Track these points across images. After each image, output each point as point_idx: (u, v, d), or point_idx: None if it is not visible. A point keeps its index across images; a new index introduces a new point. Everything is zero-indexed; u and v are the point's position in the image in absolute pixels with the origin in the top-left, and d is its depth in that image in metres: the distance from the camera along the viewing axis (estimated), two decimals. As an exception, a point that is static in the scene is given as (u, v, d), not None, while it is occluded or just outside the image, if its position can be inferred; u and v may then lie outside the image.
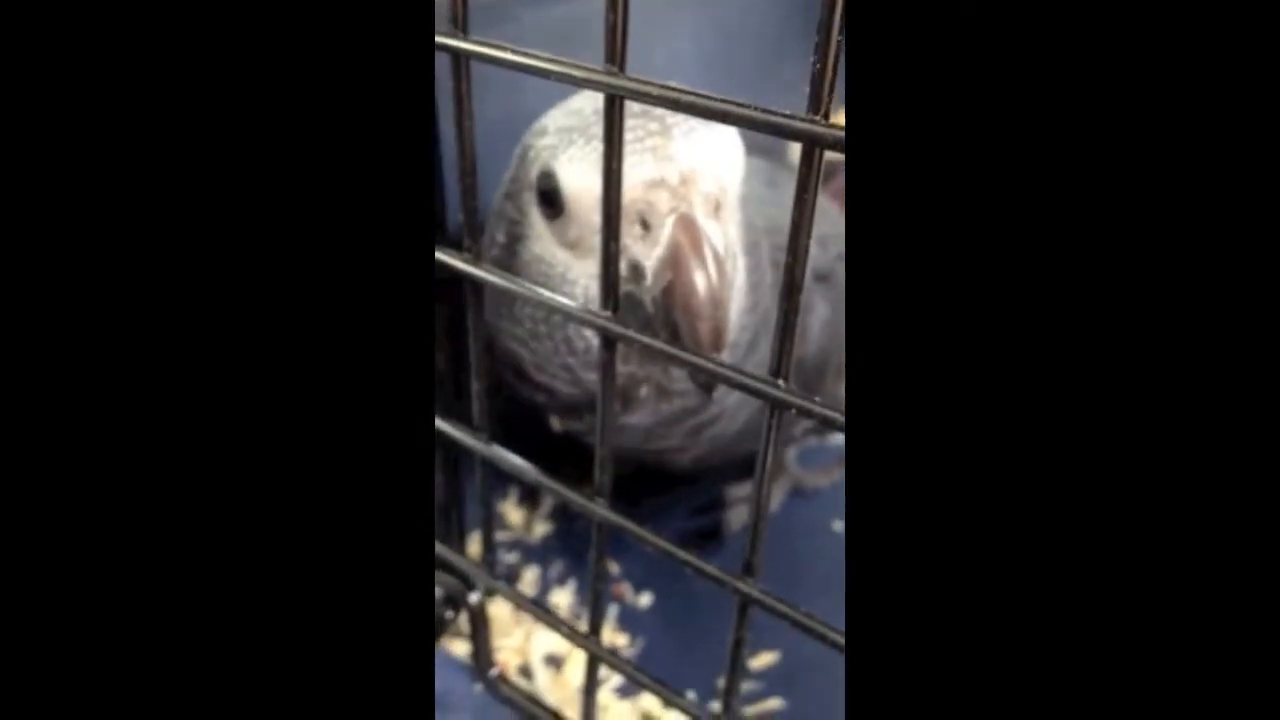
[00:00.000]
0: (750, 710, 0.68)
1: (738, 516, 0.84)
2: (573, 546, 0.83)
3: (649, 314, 0.50)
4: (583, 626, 0.53)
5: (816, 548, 0.82)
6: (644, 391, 0.59)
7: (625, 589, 0.78)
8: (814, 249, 0.35)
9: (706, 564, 0.45)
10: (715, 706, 0.50)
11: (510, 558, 0.81)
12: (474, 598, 0.60)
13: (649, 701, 0.69)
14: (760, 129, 0.33)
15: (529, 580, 0.79)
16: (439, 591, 0.61)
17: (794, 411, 0.38)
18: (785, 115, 0.33)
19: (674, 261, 0.48)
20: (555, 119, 0.56)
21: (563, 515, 0.86)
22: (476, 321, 0.50)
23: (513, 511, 0.86)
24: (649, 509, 0.85)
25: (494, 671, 0.63)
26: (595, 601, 0.51)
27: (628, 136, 0.38)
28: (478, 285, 0.48)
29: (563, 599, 0.77)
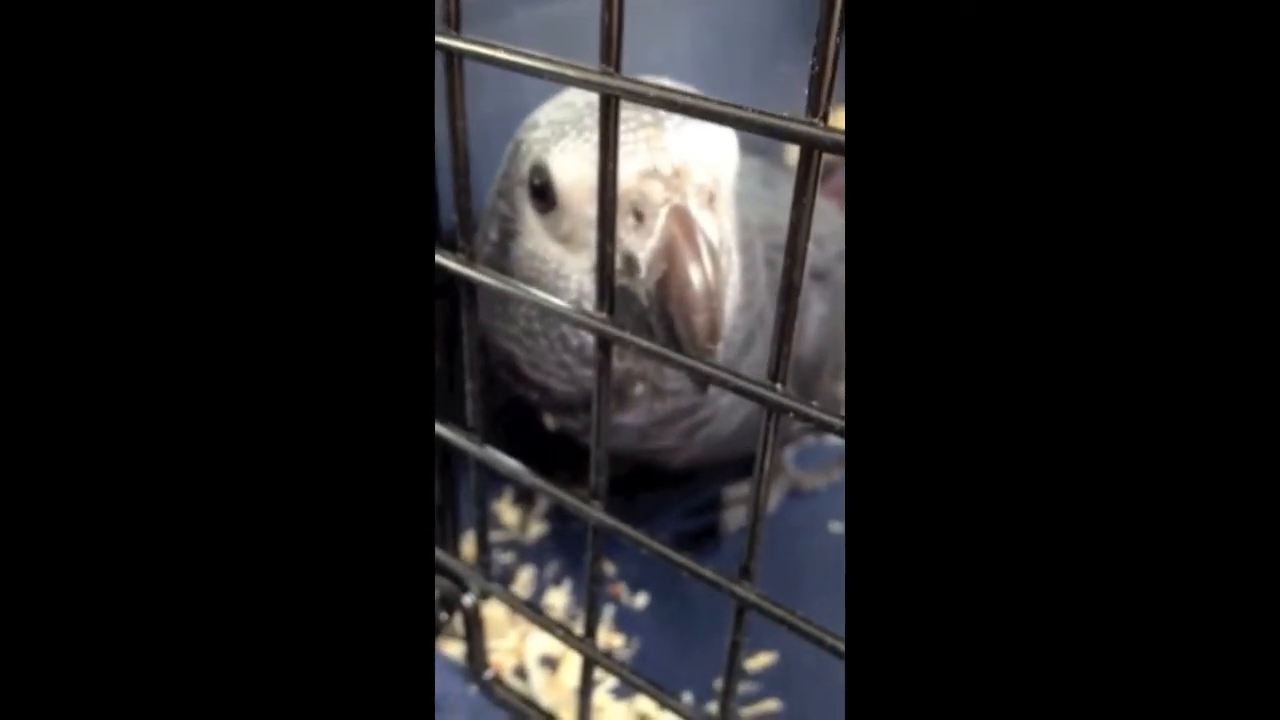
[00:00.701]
0: (747, 712, 0.68)
1: (734, 517, 0.84)
2: (568, 546, 0.82)
3: (644, 307, 0.50)
4: (578, 628, 0.53)
5: (813, 549, 0.82)
6: (639, 389, 0.59)
7: (621, 589, 0.78)
8: (810, 248, 0.35)
9: (703, 566, 0.44)
10: (712, 708, 0.50)
11: (505, 558, 0.81)
12: (468, 600, 0.60)
13: (645, 703, 0.69)
14: (759, 131, 0.33)
15: (524, 580, 0.79)
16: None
17: (791, 415, 0.37)
18: (784, 118, 0.32)
19: (668, 253, 0.48)
20: (547, 113, 0.56)
21: (558, 515, 0.86)
22: (471, 322, 0.49)
23: (508, 511, 0.85)
24: (644, 506, 0.84)
25: (489, 673, 0.63)
26: (591, 604, 0.51)
27: (620, 128, 0.37)
28: (472, 285, 0.48)
29: (558, 599, 0.77)
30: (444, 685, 0.62)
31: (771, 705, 0.69)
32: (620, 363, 0.55)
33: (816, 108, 0.31)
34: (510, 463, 0.51)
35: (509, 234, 0.57)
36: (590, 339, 0.49)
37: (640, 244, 0.49)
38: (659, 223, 0.48)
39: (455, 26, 0.41)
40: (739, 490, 0.85)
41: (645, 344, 0.41)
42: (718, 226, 0.51)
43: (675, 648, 0.73)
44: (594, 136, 0.38)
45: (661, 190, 0.49)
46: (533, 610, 0.56)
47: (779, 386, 0.37)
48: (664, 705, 0.51)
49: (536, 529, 0.84)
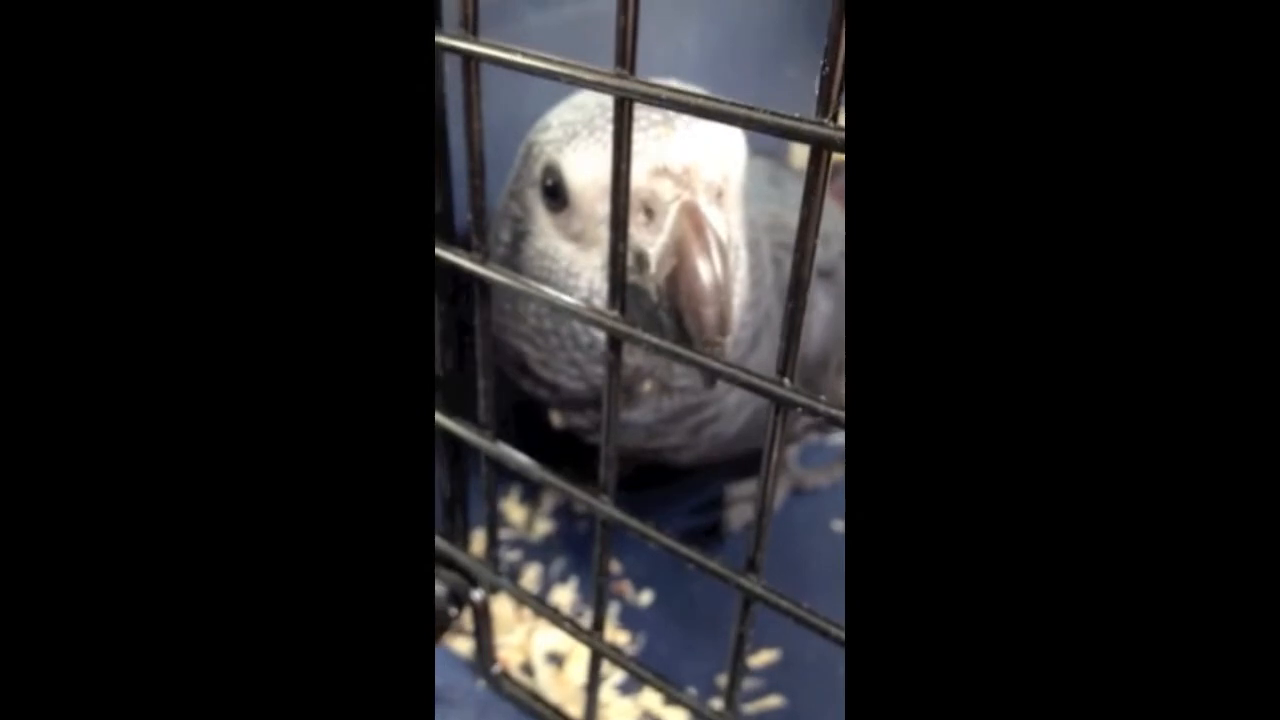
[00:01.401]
0: (750, 708, 0.69)
1: (738, 515, 0.85)
2: (574, 545, 0.83)
3: (654, 303, 0.50)
4: (585, 623, 0.54)
5: (816, 547, 0.82)
6: (647, 386, 0.60)
7: (626, 587, 0.79)
8: (817, 246, 0.35)
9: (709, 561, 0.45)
10: (716, 703, 0.50)
11: (512, 556, 0.81)
12: (478, 595, 0.61)
13: (650, 698, 0.69)
14: (770, 132, 0.33)
15: (530, 578, 0.80)
16: (443, 588, 0.61)
17: (799, 410, 0.38)
18: (794, 118, 0.33)
19: (678, 249, 0.48)
20: (560, 114, 0.57)
21: (564, 514, 0.86)
22: (484, 321, 0.50)
23: (514, 510, 0.86)
24: (649, 503, 0.85)
25: (496, 668, 0.63)
26: (599, 596, 0.52)
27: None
28: (485, 285, 0.48)
29: (564, 597, 0.78)
30: (452, 679, 0.63)
31: (774, 701, 0.69)
32: (630, 359, 0.56)
33: (826, 107, 0.32)
34: (521, 458, 0.52)
35: (521, 234, 0.58)
36: (601, 336, 0.50)
37: (650, 240, 0.50)
38: (669, 219, 0.49)
39: (472, 30, 0.41)
40: (742, 489, 0.86)
41: (657, 341, 0.42)
42: (726, 222, 0.52)
43: (680, 645, 0.73)
44: (606, 137, 0.38)
45: (672, 187, 0.50)
46: (541, 604, 0.57)
47: (787, 381, 0.38)
48: (670, 698, 0.51)
49: (542, 527, 0.85)
